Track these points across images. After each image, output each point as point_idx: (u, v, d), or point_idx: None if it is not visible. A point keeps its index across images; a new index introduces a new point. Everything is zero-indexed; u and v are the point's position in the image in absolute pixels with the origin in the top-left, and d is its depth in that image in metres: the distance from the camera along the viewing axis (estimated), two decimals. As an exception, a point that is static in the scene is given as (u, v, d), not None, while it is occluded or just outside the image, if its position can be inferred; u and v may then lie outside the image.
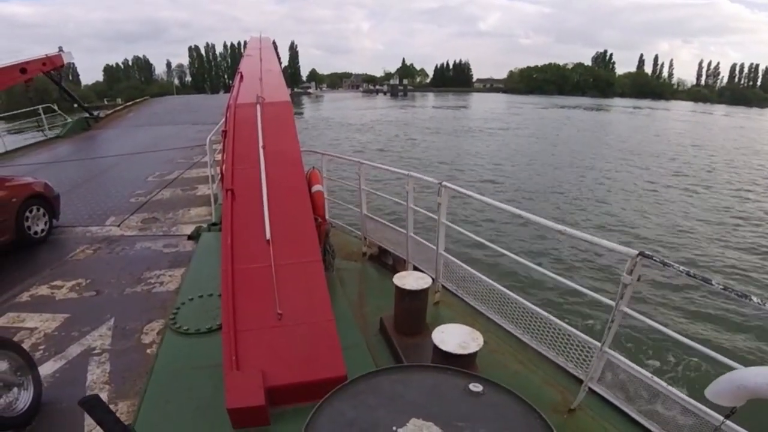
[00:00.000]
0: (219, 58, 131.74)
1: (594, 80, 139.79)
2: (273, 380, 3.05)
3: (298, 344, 3.28)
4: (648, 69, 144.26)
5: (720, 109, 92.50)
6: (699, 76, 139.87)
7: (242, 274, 3.63)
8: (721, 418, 2.38)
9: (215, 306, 4.36)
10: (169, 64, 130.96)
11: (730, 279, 11.24)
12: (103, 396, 3.47)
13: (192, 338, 4.07)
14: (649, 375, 2.89)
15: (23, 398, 3.15)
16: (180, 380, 3.48)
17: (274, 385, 3.04)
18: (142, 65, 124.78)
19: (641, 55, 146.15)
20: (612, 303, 2.93)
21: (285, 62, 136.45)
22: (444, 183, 4.35)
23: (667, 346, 7.64)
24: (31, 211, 6.55)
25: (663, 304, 9.75)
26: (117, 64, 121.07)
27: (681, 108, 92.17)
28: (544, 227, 3.59)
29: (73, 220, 7.73)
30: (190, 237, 6.84)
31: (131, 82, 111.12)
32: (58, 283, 5.43)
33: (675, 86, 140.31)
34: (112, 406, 3.33)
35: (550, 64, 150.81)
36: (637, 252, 2.68)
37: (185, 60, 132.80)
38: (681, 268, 2.57)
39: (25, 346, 4.00)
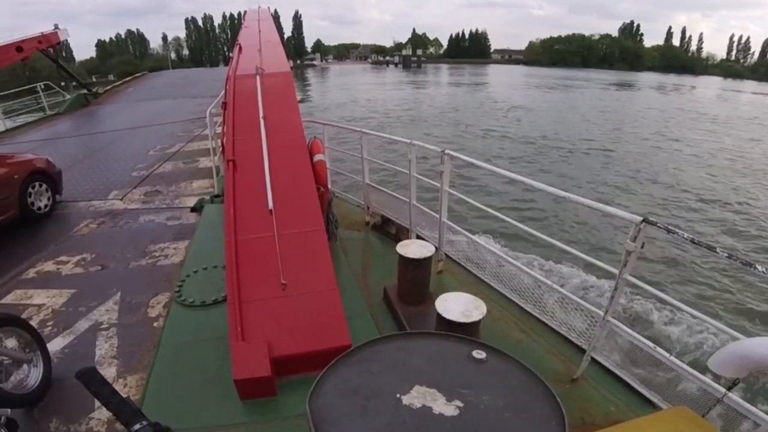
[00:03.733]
0: (218, 30, 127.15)
1: (621, 53, 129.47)
2: (278, 351, 3.08)
3: (303, 314, 3.30)
4: (675, 42, 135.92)
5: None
6: (729, 50, 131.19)
7: (245, 244, 3.63)
8: (724, 390, 2.35)
9: (220, 277, 4.38)
10: (165, 38, 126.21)
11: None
12: (112, 370, 3.52)
13: (198, 310, 4.10)
14: (652, 345, 2.86)
15: (34, 375, 3.18)
16: (187, 353, 3.52)
17: (280, 355, 3.08)
18: (137, 39, 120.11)
19: (669, 28, 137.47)
20: (615, 271, 2.89)
21: (288, 32, 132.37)
22: (447, 151, 4.29)
23: (670, 315, 7.61)
24: (33, 187, 6.55)
25: (667, 273, 9.73)
26: (111, 38, 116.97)
27: (733, 86, 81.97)
28: (548, 194, 3.54)
29: (76, 195, 7.73)
30: (193, 209, 6.84)
31: (124, 57, 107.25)
32: (63, 258, 5.45)
33: (706, 61, 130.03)
34: (120, 381, 3.40)
35: (573, 34, 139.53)
36: (641, 218, 2.63)
37: (183, 33, 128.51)
38: (685, 234, 2.53)
39: (34, 322, 4.03)
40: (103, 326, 4.10)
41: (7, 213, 6.00)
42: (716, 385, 2.46)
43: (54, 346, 3.78)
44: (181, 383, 3.22)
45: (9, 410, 2.81)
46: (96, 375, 1.24)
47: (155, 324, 4.09)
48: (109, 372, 3.50)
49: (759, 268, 2.25)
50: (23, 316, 4.12)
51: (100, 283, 4.85)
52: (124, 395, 1.23)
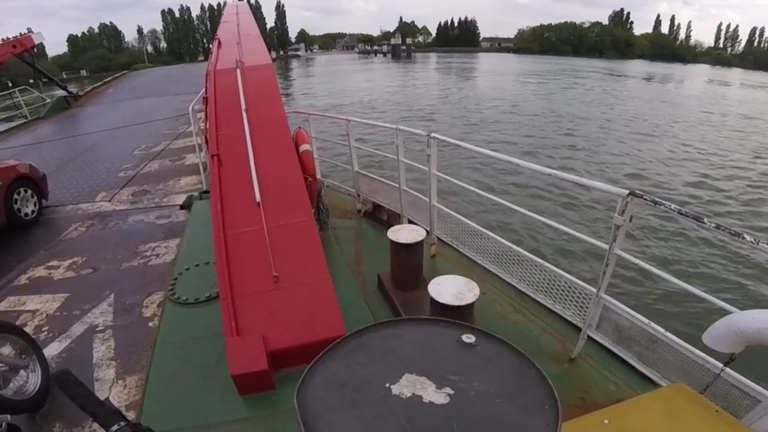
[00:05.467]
0: (196, 22, 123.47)
1: (612, 41, 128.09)
2: (274, 344, 3.07)
3: (297, 306, 3.29)
4: (664, 30, 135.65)
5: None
6: (717, 38, 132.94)
7: (235, 239, 3.60)
8: (721, 365, 2.34)
9: (213, 273, 4.35)
10: (140, 30, 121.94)
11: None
12: (110, 372, 3.51)
13: (192, 308, 4.09)
14: (646, 321, 2.86)
15: (32, 381, 3.16)
16: (184, 351, 3.51)
17: (276, 348, 3.07)
18: (110, 33, 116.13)
19: (658, 16, 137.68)
20: (606, 246, 2.88)
21: (271, 23, 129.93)
22: (433, 134, 4.26)
23: (663, 289, 7.66)
24: (19, 194, 6.46)
25: (657, 247, 9.77)
26: (83, 33, 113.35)
27: (725, 75, 78.13)
28: (536, 174, 3.52)
29: (63, 199, 7.65)
30: (182, 206, 6.78)
31: (97, 51, 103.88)
32: (54, 263, 5.40)
33: (695, 49, 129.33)
34: (120, 382, 3.39)
35: (565, 22, 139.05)
36: (627, 191, 2.61)
37: (159, 26, 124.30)
38: (672, 206, 2.50)
39: (29, 328, 4.04)
40: (99, 328, 4.08)
41: (-7, 222, 5.93)
42: (713, 361, 2.45)
43: (51, 351, 3.77)
44: (179, 382, 3.21)
45: (9, 416, 2.81)
46: (70, 377, 1.22)
47: (150, 324, 4.07)
48: (107, 374, 3.49)
49: (747, 237, 2.24)
50: (18, 322, 4.12)
51: (93, 285, 4.82)
52: (111, 398, 1.21)
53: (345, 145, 6.04)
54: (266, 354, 2.99)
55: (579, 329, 3.38)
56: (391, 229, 4.08)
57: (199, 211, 6.20)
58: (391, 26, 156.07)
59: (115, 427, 1.15)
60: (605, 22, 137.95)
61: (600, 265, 3.00)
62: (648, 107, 32.42)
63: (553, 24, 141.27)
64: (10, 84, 17.08)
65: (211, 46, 6.74)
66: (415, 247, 3.95)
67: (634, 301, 7.26)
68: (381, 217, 6.03)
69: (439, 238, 4.89)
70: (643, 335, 2.96)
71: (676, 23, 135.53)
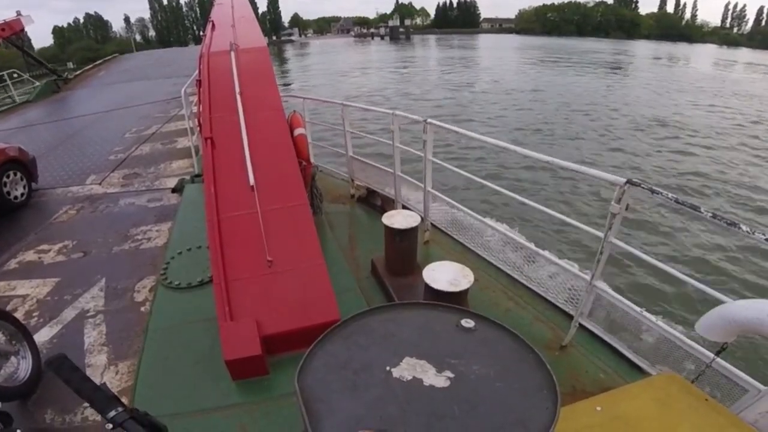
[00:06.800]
0: (185, 9, 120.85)
1: (618, 20, 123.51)
2: (268, 329, 3.07)
3: (291, 291, 3.28)
4: (669, 10, 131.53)
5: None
6: (724, 18, 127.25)
7: (228, 222, 3.58)
8: (712, 355, 2.35)
9: (205, 258, 4.33)
10: (127, 19, 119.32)
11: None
12: (102, 358, 3.49)
13: (184, 293, 4.06)
14: (639, 309, 2.85)
15: (23, 367, 3.13)
16: (176, 336, 3.49)
17: (269, 333, 3.06)
18: (96, 23, 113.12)
19: None
20: (601, 235, 2.87)
21: (263, 7, 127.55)
22: (429, 120, 4.23)
23: (657, 279, 7.68)
24: (8, 177, 6.39)
25: (652, 236, 9.79)
26: (69, 24, 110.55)
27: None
28: (533, 161, 3.50)
29: (52, 182, 7.57)
30: (174, 190, 6.75)
31: (83, 42, 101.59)
32: (44, 247, 5.34)
33: (702, 29, 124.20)
34: (111, 368, 3.37)
35: (569, 2, 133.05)
36: (624, 180, 2.60)
37: (146, 14, 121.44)
38: (669, 195, 2.48)
39: (19, 314, 3.99)
40: (90, 314, 4.04)
41: (-19, 205, 5.85)
42: (705, 350, 2.46)
43: (41, 336, 3.73)
44: (172, 367, 3.20)
45: (0, 404, 2.78)
46: (65, 362, 1.18)
47: (142, 308, 4.04)
48: (99, 359, 3.47)
49: (743, 227, 2.23)
50: (8, 308, 4.07)
51: (84, 270, 4.77)
52: (103, 383, 1.18)
53: (339, 130, 5.99)
54: (260, 339, 2.99)
55: (570, 317, 3.39)
56: (386, 214, 4.06)
57: (190, 195, 6.16)
58: (388, 8, 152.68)
59: (112, 413, 1.11)
60: (610, 1, 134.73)
61: (594, 254, 3.00)
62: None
63: (556, 3, 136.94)
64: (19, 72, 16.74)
65: (201, 33, 6.63)
66: (410, 233, 3.94)
67: (626, 289, 7.31)
68: (375, 203, 6.01)
69: (432, 224, 4.88)
70: (635, 324, 2.97)
71: (681, 2, 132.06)
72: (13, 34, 16.46)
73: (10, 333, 3.14)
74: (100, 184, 7.38)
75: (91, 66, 25.06)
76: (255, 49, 5.27)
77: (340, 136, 6.01)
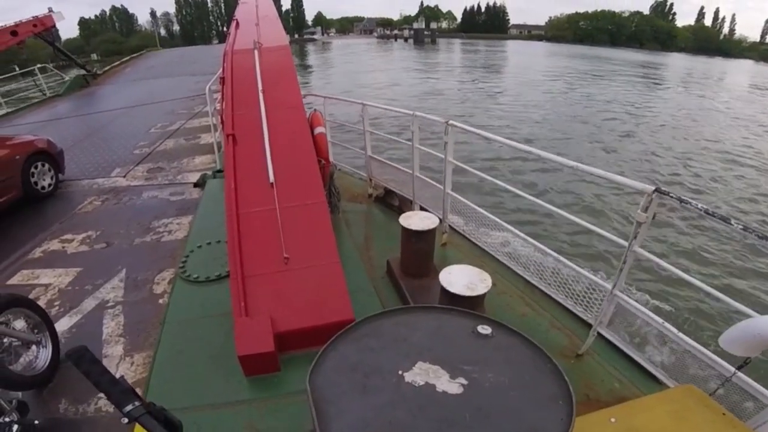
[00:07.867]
0: (210, 4, 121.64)
1: (653, 31, 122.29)
2: (281, 326, 3.07)
3: (306, 288, 3.28)
4: (707, 23, 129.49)
5: None
6: (764, 33, 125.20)
7: (247, 218, 3.60)
8: (733, 368, 2.29)
9: (223, 253, 4.37)
10: (153, 13, 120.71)
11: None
12: (119, 349, 3.54)
13: (202, 286, 4.10)
14: (660, 320, 2.77)
15: (43, 356, 3.18)
16: (192, 330, 3.52)
17: (283, 330, 3.06)
18: (122, 16, 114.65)
19: (702, 8, 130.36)
20: (625, 243, 2.80)
21: (287, 5, 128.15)
22: (451, 122, 4.19)
23: (680, 290, 7.48)
24: (36, 167, 6.55)
25: (678, 246, 9.54)
26: (95, 15, 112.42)
27: None
28: (556, 164, 3.43)
29: (78, 174, 7.72)
30: (196, 184, 6.83)
31: (108, 35, 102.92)
32: (68, 236, 5.45)
33: (740, 43, 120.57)
34: (127, 359, 3.41)
35: (603, 11, 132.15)
36: (653, 188, 2.51)
37: (172, 8, 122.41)
38: (699, 205, 2.39)
39: (41, 302, 4.05)
40: (109, 304, 4.10)
41: (10, 194, 6.00)
42: (725, 364, 2.39)
43: (61, 325, 3.79)
44: (186, 361, 3.22)
45: (20, 393, 2.83)
46: (86, 354, 1.19)
47: (160, 301, 4.09)
48: (115, 350, 3.52)
49: None
50: (30, 296, 4.13)
51: (106, 260, 4.85)
52: (118, 375, 1.18)
53: (359, 130, 5.99)
54: (273, 335, 2.99)
55: (588, 325, 3.32)
56: (403, 215, 4.04)
57: (212, 190, 6.23)
58: (412, 10, 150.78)
59: (129, 407, 1.11)
60: (645, 11, 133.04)
61: (617, 263, 2.92)
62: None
63: (589, 12, 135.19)
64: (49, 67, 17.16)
65: (225, 29, 6.72)
66: (427, 235, 3.90)
67: (647, 299, 7.13)
68: (392, 203, 5.99)
69: (450, 227, 4.84)
70: (655, 334, 2.90)
71: (720, 16, 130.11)
72: (45, 29, 16.82)
73: (34, 322, 3.19)
74: (124, 177, 7.51)
75: (118, 63, 25.55)
76: (278, 47, 5.32)
77: (358, 141, 5.99)
